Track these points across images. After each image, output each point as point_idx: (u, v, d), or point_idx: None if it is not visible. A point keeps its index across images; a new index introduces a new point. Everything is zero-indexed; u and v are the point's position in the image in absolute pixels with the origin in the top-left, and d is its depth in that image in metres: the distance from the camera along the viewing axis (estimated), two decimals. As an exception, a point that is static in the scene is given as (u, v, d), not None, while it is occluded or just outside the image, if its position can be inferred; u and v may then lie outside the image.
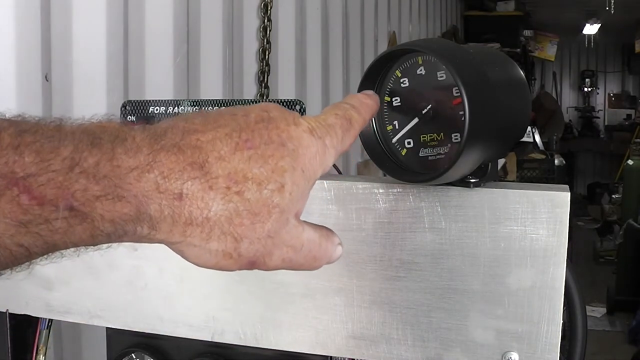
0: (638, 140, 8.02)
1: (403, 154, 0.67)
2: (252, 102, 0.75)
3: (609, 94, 11.65)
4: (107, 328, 0.84)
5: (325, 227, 0.56)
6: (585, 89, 11.67)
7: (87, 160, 0.43)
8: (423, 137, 0.65)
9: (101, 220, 0.44)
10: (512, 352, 0.67)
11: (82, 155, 0.43)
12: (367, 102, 0.59)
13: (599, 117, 11.50)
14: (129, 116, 0.80)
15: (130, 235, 0.46)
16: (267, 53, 2.28)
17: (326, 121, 0.54)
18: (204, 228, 0.47)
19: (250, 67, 2.27)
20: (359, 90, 0.67)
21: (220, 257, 0.48)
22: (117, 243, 0.47)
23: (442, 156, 0.64)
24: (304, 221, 0.53)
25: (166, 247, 0.48)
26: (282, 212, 0.49)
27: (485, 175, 0.67)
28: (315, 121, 0.53)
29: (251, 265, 0.50)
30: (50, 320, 0.87)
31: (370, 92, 0.62)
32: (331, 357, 0.75)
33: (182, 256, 0.49)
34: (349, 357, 0.74)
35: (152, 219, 0.46)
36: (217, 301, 0.77)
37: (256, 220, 0.48)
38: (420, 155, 0.66)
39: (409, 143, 0.66)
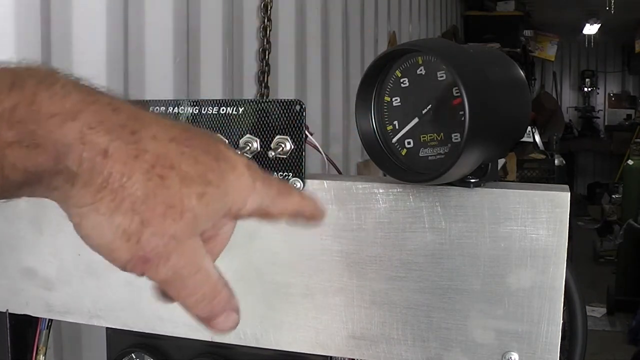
0: (638, 140, 8.01)
1: (403, 154, 0.67)
2: (252, 102, 0.75)
3: (609, 94, 11.65)
4: (107, 328, 0.84)
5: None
6: (585, 89, 11.67)
7: (3, 103, 0.40)
8: (423, 137, 0.65)
9: (12, 169, 0.40)
10: (512, 352, 0.67)
11: None
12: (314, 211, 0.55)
13: (599, 117, 11.49)
14: (129, 116, 0.80)
15: (44, 186, 0.42)
16: (267, 53, 2.28)
17: (266, 174, 0.52)
18: (116, 196, 0.42)
19: (250, 67, 2.27)
20: (359, 90, 0.67)
21: (118, 234, 0.44)
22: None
23: (442, 156, 0.64)
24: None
25: None
26: (195, 219, 0.45)
27: (485, 175, 0.67)
28: (256, 165, 0.51)
29: (143, 262, 0.46)
30: (50, 320, 0.87)
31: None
32: (331, 357, 0.75)
33: (78, 226, 0.44)
34: (349, 357, 0.74)
35: (69, 171, 0.42)
36: (217, 301, 0.77)
37: (168, 213, 0.44)
38: (420, 155, 0.66)
39: (409, 143, 0.66)
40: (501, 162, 2.01)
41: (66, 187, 0.43)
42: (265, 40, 2.27)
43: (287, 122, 0.73)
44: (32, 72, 0.42)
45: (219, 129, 0.76)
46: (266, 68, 2.29)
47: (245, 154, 0.75)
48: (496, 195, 0.67)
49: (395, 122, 0.67)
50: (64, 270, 0.82)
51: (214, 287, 0.49)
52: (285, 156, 0.73)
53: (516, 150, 5.81)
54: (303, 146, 0.73)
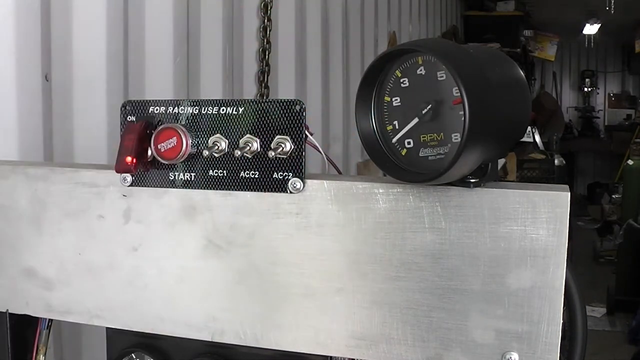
0: (638, 140, 8.01)
1: (403, 154, 0.67)
2: (252, 102, 0.75)
3: (609, 94, 11.64)
4: (107, 328, 0.84)
5: None
6: (585, 89, 11.66)
7: None
8: (423, 137, 0.65)
9: None
10: (512, 352, 0.67)
11: None
12: None
13: (599, 117, 11.49)
14: (129, 116, 0.80)
15: None
16: (267, 53, 2.28)
17: None
18: None
19: (250, 67, 2.27)
20: (359, 90, 0.67)
21: None
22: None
23: (442, 156, 0.64)
24: None
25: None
26: None
27: (485, 175, 0.67)
28: None
29: None
30: (50, 320, 0.87)
31: None
32: (331, 357, 0.75)
33: None
34: (349, 357, 0.74)
35: None
36: (217, 301, 0.77)
37: None
38: (420, 155, 0.66)
39: (409, 143, 0.66)
40: (501, 162, 2.01)
41: None
42: (265, 40, 2.27)
43: (287, 122, 0.73)
44: None
45: (219, 129, 0.76)
46: (266, 68, 2.29)
47: (245, 154, 0.75)
48: (496, 195, 0.67)
49: (395, 122, 0.67)
50: (64, 270, 0.82)
51: None
52: (285, 156, 0.73)
53: (516, 150, 5.81)
54: (303, 146, 0.73)
